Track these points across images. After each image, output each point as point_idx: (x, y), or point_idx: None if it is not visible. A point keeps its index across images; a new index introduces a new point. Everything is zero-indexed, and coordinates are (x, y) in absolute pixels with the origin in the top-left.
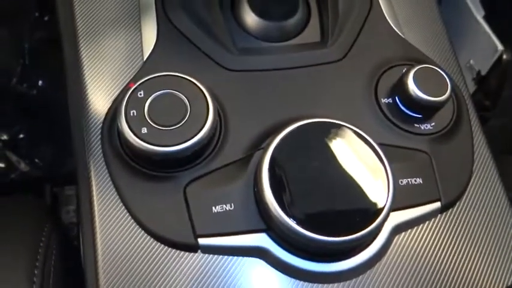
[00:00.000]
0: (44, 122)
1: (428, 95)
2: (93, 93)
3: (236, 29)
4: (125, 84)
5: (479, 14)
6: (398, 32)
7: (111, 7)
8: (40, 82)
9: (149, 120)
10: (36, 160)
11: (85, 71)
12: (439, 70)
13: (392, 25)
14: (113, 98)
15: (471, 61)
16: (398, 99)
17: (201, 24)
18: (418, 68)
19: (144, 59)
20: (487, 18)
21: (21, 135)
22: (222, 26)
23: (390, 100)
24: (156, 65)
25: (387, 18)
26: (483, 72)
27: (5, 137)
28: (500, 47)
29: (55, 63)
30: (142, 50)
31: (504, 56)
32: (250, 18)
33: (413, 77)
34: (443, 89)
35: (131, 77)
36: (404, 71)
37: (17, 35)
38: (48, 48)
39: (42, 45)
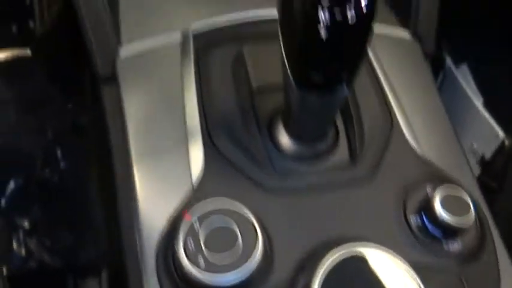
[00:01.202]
0: (64, 208)
1: (455, 221)
2: (146, 214)
3: (273, 151)
4: (175, 206)
5: (478, 101)
6: (417, 149)
7: (161, 132)
8: (62, 165)
9: (205, 251)
10: (56, 247)
11: (138, 192)
12: (464, 197)
13: (412, 143)
14: (165, 219)
15: (474, 145)
16: (427, 220)
17: (244, 150)
18: (445, 195)
19: (193, 180)
20: (486, 102)
21: (41, 222)
22: (262, 150)
23: (419, 220)
24: (206, 190)
25: (406, 136)
26: (487, 156)
27: (26, 224)
28: (501, 133)
29: (78, 149)
30: (190, 173)
31: (506, 143)
32: (286, 141)
33: (440, 203)
34: (468, 214)
35: (181, 198)
36: (430, 193)
37: (41, 121)
38: (70, 134)
39: (65, 131)
